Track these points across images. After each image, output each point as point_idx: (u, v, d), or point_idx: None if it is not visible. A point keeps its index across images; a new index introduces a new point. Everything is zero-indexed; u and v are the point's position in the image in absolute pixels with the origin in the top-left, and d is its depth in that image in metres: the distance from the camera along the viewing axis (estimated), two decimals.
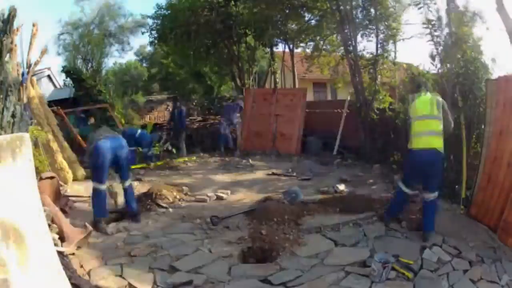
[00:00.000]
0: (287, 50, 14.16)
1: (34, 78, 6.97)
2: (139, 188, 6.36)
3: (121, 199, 4.93)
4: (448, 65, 5.55)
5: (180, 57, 16.28)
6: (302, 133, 9.87)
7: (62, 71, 11.58)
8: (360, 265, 3.48)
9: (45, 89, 11.84)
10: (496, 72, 5.20)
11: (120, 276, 3.26)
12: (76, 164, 6.95)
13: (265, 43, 13.87)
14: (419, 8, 6.27)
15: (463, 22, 5.50)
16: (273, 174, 7.29)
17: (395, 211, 4.41)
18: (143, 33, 16.28)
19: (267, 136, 9.97)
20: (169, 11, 13.31)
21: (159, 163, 8.29)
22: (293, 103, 10.17)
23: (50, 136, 6.31)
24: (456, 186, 5.22)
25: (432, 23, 5.86)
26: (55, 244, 3.19)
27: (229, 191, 5.94)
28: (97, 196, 4.45)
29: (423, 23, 6.02)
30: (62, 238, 3.61)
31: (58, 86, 14.73)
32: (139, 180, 6.73)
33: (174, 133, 10.30)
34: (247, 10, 11.90)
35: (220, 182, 6.78)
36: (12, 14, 4.69)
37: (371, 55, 8.68)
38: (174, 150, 9.49)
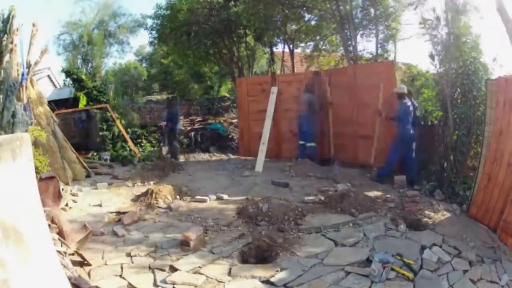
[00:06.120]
0: (287, 50, 14.19)
1: (34, 78, 6.97)
2: (139, 188, 6.36)
3: None
4: (447, 65, 5.53)
5: (179, 57, 16.29)
6: None
7: (62, 71, 11.55)
8: (360, 265, 3.48)
9: (45, 89, 11.81)
10: (496, 72, 5.20)
11: (120, 276, 3.27)
12: (76, 164, 6.95)
13: (265, 43, 13.87)
14: (415, 8, 6.27)
15: (461, 20, 5.48)
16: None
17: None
18: (145, 29, 16.05)
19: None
20: (168, 11, 13.32)
21: None
22: None
23: (50, 136, 6.31)
24: (456, 186, 5.23)
25: (429, 22, 5.82)
26: (55, 244, 3.18)
27: (229, 191, 5.94)
28: None
29: (420, 23, 6.00)
30: (62, 238, 3.61)
31: (58, 86, 14.71)
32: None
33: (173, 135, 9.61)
34: (246, 11, 11.90)
35: (220, 182, 6.77)
36: (12, 14, 4.70)
37: (371, 55, 8.70)
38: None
